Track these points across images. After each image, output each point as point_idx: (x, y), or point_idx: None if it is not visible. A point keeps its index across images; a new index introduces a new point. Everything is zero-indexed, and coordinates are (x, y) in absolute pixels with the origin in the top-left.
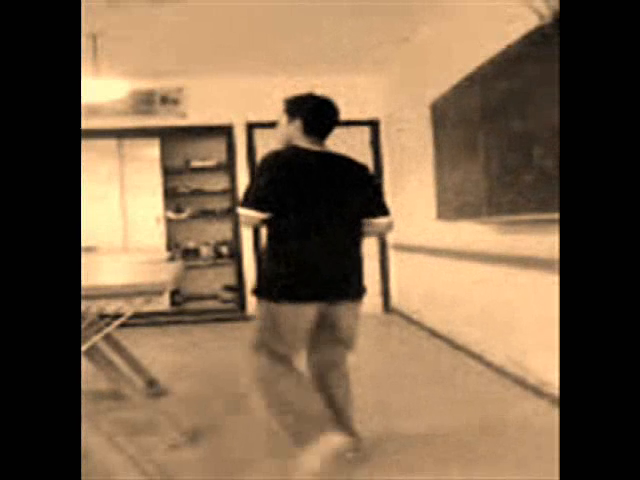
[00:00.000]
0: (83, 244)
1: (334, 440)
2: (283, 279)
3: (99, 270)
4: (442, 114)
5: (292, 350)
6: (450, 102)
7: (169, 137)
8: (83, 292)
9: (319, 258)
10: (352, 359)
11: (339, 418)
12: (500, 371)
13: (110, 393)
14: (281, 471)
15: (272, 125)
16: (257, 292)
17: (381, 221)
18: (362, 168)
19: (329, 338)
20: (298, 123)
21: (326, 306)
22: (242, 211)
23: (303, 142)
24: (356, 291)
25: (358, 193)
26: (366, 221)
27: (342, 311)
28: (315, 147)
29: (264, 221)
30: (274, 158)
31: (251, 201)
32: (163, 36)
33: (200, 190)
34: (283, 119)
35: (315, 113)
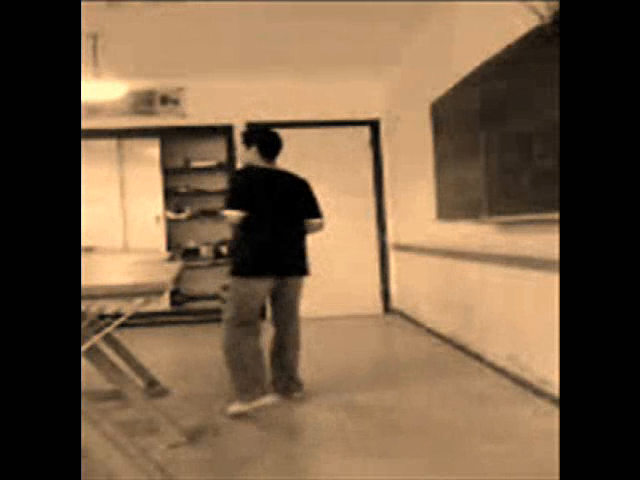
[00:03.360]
0: (83, 244)
1: (267, 400)
2: (251, 260)
3: (99, 270)
4: (442, 114)
5: (253, 315)
6: (450, 102)
7: (169, 137)
8: (83, 292)
9: (274, 245)
10: (352, 359)
11: (290, 372)
12: (500, 371)
13: (110, 393)
14: (281, 470)
15: (272, 125)
16: (234, 272)
17: (314, 221)
18: (302, 182)
19: (283, 316)
20: (254, 149)
21: (279, 279)
22: (228, 212)
23: (259, 162)
24: (301, 269)
25: (299, 200)
26: (305, 221)
27: (290, 283)
28: (268, 165)
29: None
30: (242, 174)
31: (233, 204)
32: (163, 36)
33: (200, 190)
34: (242, 147)
35: (265, 141)
